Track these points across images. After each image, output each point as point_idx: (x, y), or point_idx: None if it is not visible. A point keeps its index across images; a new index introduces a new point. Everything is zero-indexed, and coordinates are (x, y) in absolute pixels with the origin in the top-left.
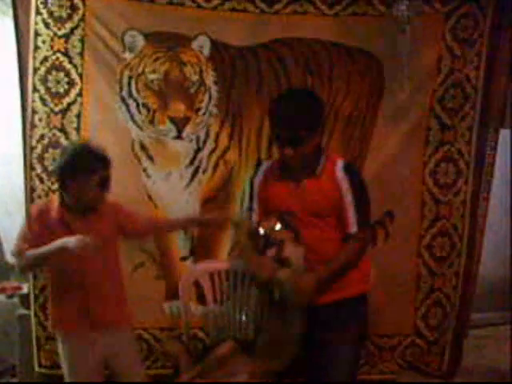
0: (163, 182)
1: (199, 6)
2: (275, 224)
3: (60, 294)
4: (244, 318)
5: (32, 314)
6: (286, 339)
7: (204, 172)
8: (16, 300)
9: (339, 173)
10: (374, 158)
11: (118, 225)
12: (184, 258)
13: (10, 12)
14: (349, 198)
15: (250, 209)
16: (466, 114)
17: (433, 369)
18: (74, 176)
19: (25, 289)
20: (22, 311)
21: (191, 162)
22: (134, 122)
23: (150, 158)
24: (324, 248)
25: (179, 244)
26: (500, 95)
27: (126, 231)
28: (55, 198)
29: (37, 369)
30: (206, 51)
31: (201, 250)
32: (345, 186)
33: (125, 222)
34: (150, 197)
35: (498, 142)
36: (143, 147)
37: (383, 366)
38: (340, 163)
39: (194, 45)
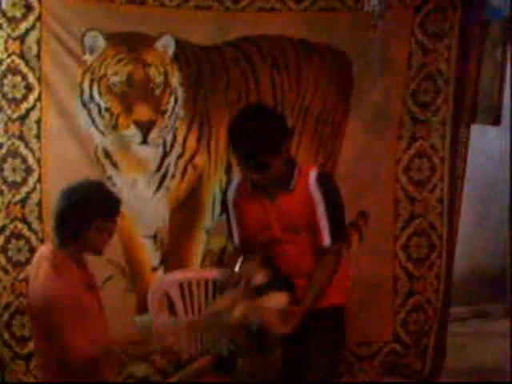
0: (129, 190)
1: (162, 5)
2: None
3: None
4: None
5: None
6: (265, 366)
7: (172, 178)
8: None
9: (312, 185)
10: (346, 157)
11: None
12: (155, 269)
13: None
14: (321, 210)
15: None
16: (439, 108)
17: (415, 371)
18: (94, 219)
19: None
20: None
21: (158, 168)
22: (96, 127)
23: (115, 165)
24: (302, 262)
25: (149, 254)
26: (471, 89)
27: None
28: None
29: None
30: (171, 51)
31: (172, 259)
32: (317, 198)
33: None
34: None
35: (469, 137)
36: (107, 154)
37: (364, 376)
38: (312, 175)
39: (158, 45)
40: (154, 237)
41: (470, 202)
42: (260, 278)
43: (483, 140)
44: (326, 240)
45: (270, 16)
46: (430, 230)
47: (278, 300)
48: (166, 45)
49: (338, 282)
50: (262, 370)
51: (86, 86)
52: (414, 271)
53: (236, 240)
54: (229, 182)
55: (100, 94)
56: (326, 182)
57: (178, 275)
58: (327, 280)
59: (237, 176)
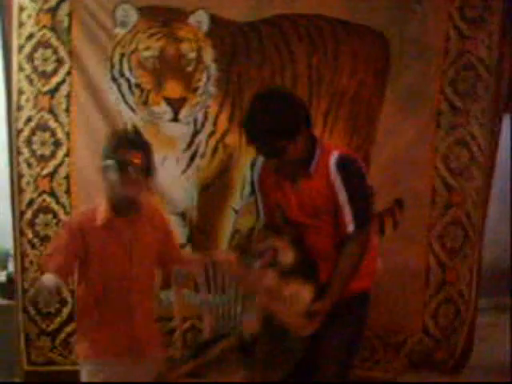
0: (158, 167)
1: None
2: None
3: (95, 314)
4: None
5: (20, 308)
6: (286, 350)
7: (202, 157)
8: None
9: (332, 169)
10: (381, 143)
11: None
12: (182, 246)
13: None
14: (343, 196)
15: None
16: (479, 97)
17: (440, 364)
18: (111, 164)
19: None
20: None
21: (188, 146)
22: (126, 103)
23: None
24: (325, 246)
25: (177, 231)
26: (507, 77)
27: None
28: (100, 203)
29: (26, 366)
30: (205, 27)
31: (200, 237)
32: (337, 183)
33: (161, 240)
34: None
35: (501, 127)
36: None
37: (387, 365)
38: (333, 158)
39: (191, 20)
40: (182, 214)
41: None
42: (288, 258)
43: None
44: (349, 226)
45: None
46: (466, 220)
47: (302, 296)
48: (200, 20)
49: (363, 270)
50: (282, 353)
51: (116, 60)
52: (447, 261)
53: (263, 218)
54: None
55: (130, 68)
56: (348, 166)
57: (203, 256)
58: (352, 268)
59: (259, 162)
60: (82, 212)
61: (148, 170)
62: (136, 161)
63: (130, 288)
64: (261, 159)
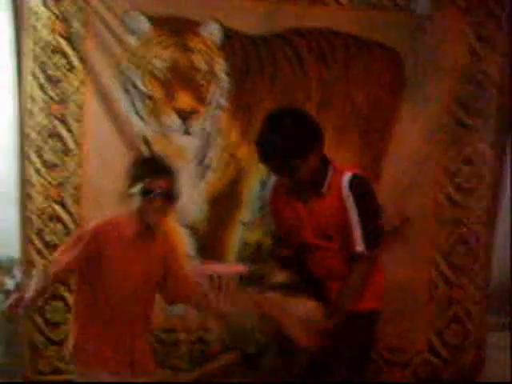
0: None
1: None
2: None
3: (93, 321)
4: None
5: (26, 317)
6: (292, 363)
7: (213, 170)
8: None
9: (345, 189)
10: (393, 160)
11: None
12: (191, 258)
13: None
14: (354, 217)
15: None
16: (490, 115)
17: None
18: (137, 191)
19: (9, 285)
20: None
21: (200, 159)
22: (137, 113)
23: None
24: (335, 266)
25: (186, 243)
26: None
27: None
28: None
29: (31, 375)
30: (217, 39)
31: (208, 250)
32: (349, 203)
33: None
34: None
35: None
36: (147, 142)
37: None
38: (346, 178)
39: (204, 31)
40: (192, 227)
41: None
42: (280, 277)
43: None
44: (359, 247)
45: (319, 9)
46: (474, 239)
47: (304, 308)
48: (212, 32)
49: (372, 286)
50: (286, 370)
51: (128, 70)
52: (453, 279)
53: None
54: (269, 176)
55: (142, 79)
56: (360, 185)
57: (210, 267)
58: (360, 288)
59: (272, 180)
60: (104, 221)
61: (172, 196)
62: (162, 189)
63: (133, 301)
64: (272, 179)
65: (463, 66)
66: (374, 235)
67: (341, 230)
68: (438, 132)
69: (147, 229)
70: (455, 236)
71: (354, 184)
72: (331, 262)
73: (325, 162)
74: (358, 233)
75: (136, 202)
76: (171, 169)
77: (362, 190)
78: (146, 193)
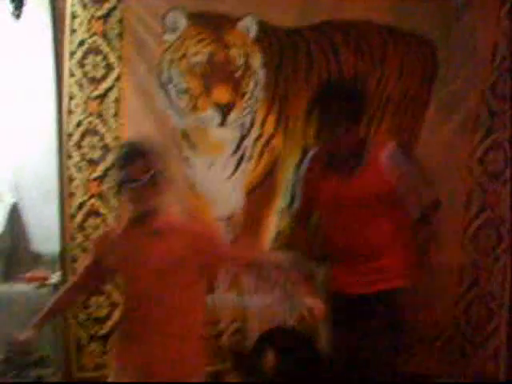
0: (206, 171)
1: None
2: None
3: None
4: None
5: (70, 313)
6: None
7: (249, 160)
8: (47, 290)
9: (387, 161)
10: (423, 146)
11: (197, 250)
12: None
13: None
14: (403, 183)
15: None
16: None
17: (489, 374)
18: (114, 186)
19: (52, 279)
20: None
21: (235, 151)
22: (174, 108)
23: (192, 146)
24: (371, 235)
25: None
26: None
27: (209, 262)
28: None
29: (77, 372)
30: (253, 33)
31: (244, 237)
32: (395, 173)
33: (209, 252)
34: (191, 187)
35: None
36: (184, 135)
37: (421, 359)
38: (387, 150)
39: (240, 26)
40: (228, 219)
41: None
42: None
43: None
44: (415, 212)
45: (354, 1)
46: (500, 223)
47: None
48: (248, 26)
49: (401, 266)
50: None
51: (165, 66)
52: (479, 261)
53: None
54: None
55: (179, 74)
56: (402, 156)
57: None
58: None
59: (311, 153)
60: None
61: (155, 175)
62: (129, 176)
63: (159, 303)
64: (310, 155)
65: (497, 52)
66: (429, 201)
67: (381, 201)
68: (470, 120)
69: (146, 215)
70: (482, 219)
71: (397, 154)
72: (375, 238)
73: (362, 142)
74: (412, 200)
75: (121, 194)
76: (140, 151)
77: (405, 158)
78: (121, 184)
